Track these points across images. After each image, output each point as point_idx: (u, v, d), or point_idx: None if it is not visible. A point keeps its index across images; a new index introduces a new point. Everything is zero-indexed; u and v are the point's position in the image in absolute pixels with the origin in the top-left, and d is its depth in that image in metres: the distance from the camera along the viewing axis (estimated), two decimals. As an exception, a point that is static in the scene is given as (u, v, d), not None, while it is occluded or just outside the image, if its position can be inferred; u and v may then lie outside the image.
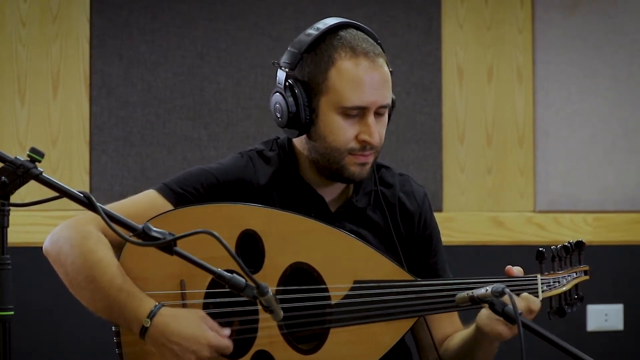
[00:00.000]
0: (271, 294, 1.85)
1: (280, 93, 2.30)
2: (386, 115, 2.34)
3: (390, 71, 2.34)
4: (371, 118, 2.27)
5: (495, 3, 4.10)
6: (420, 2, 4.02)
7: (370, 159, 2.31)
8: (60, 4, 3.73)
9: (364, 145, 2.28)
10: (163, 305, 2.14)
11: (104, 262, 2.17)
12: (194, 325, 2.13)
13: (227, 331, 2.16)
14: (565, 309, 2.39)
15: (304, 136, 2.33)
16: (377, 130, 2.28)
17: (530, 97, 4.13)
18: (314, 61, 2.29)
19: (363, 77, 2.26)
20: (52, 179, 1.81)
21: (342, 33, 2.30)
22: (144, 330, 2.12)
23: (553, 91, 4.14)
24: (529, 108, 4.13)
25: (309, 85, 2.29)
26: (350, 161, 2.29)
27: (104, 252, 2.18)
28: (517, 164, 4.12)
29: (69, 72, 3.74)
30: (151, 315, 2.12)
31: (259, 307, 2.13)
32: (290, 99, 2.28)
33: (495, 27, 4.11)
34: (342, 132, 2.27)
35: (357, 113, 2.27)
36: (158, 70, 3.79)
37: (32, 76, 3.71)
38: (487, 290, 2.09)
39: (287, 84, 2.30)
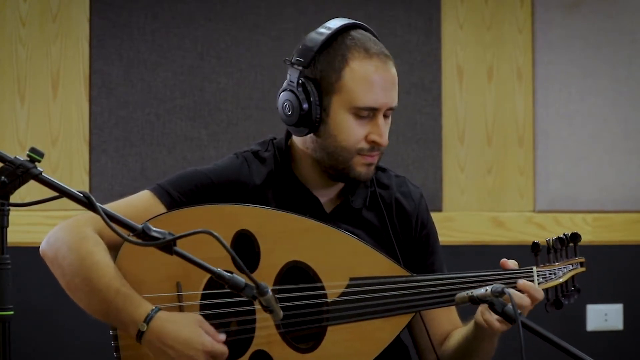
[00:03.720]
0: (270, 293, 1.85)
1: (291, 91, 2.30)
2: (390, 117, 2.35)
3: None
4: (381, 119, 2.30)
5: (495, 3, 4.11)
6: (420, 2, 4.02)
7: (376, 160, 2.34)
8: (60, 4, 3.73)
9: (373, 146, 2.30)
10: (160, 310, 2.13)
11: (101, 264, 2.16)
12: (190, 329, 2.12)
13: (222, 336, 2.15)
14: (562, 301, 2.39)
15: (310, 135, 2.33)
16: (385, 131, 2.31)
17: (530, 97, 4.13)
18: (326, 60, 2.29)
19: (376, 78, 2.28)
20: (52, 178, 1.81)
21: (354, 33, 2.32)
22: (140, 334, 2.12)
23: (553, 91, 4.14)
24: (529, 108, 4.13)
25: (320, 84, 2.29)
26: (358, 161, 2.30)
27: (101, 254, 2.18)
28: (517, 164, 4.12)
29: (69, 72, 3.74)
30: (148, 319, 2.11)
31: (256, 307, 2.14)
32: (303, 97, 2.28)
33: (495, 27, 4.11)
34: (353, 132, 2.29)
35: (368, 114, 2.29)
36: (158, 70, 3.79)
37: (32, 76, 3.71)
38: (486, 290, 2.09)
39: (299, 81, 2.29)
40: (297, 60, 2.31)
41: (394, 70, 2.33)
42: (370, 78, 2.28)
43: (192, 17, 3.82)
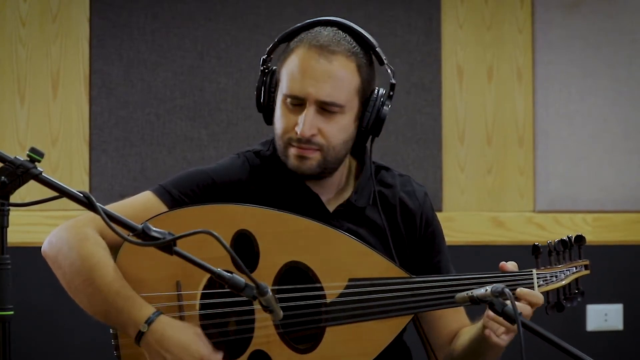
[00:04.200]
0: (270, 293, 1.85)
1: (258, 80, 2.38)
2: (342, 116, 2.29)
3: (393, 83, 2.33)
4: (308, 110, 2.26)
5: (495, 3, 4.11)
6: (420, 2, 4.02)
7: (312, 155, 2.29)
8: (60, 4, 3.73)
9: (299, 137, 2.27)
10: (162, 314, 2.14)
11: (102, 264, 2.16)
12: (190, 337, 2.13)
13: (219, 355, 2.16)
14: (563, 304, 2.38)
15: None
16: (311, 123, 2.26)
17: (530, 97, 4.13)
18: (283, 51, 2.34)
19: (304, 67, 2.27)
20: (52, 178, 1.81)
21: (317, 29, 2.33)
22: (139, 335, 2.12)
23: (553, 91, 4.14)
24: (529, 108, 4.13)
25: (274, 74, 2.35)
26: (290, 153, 2.30)
27: (102, 254, 2.18)
28: (517, 164, 4.12)
29: (69, 72, 3.74)
30: (149, 322, 2.11)
31: (255, 307, 2.14)
32: (260, 86, 2.35)
33: (495, 27, 4.11)
34: (282, 120, 2.30)
35: (297, 103, 2.28)
36: (158, 70, 3.79)
37: (32, 76, 3.71)
38: (486, 290, 2.08)
39: (260, 69, 2.36)
40: (267, 50, 2.37)
41: (340, 66, 2.27)
42: (299, 67, 2.27)
43: (192, 17, 3.82)
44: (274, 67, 2.36)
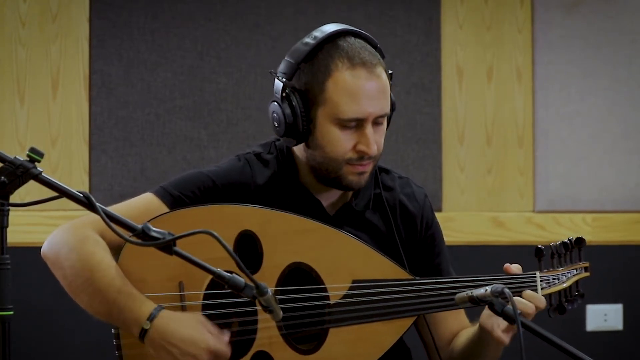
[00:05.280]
0: (270, 293, 1.85)
1: (277, 103, 2.29)
2: (385, 124, 2.33)
3: (390, 73, 2.34)
4: (369, 129, 2.26)
5: (495, 3, 4.11)
6: (420, 2, 4.02)
7: (369, 168, 2.31)
8: (60, 4, 3.73)
9: (362, 156, 2.27)
10: (163, 308, 2.13)
11: (103, 264, 2.16)
12: (194, 328, 2.12)
13: (226, 336, 2.16)
14: (565, 306, 2.38)
15: (302, 144, 2.33)
16: (375, 140, 2.27)
17: (530, 97, 4.13)
18: (311, 71, 2.27)
19: (360, 88, 2.24)
20: (52, 178, 1.81)
21: (340, 42, 2.28)
22: (143, 333, 2.11)
23: (553, 91, 4.14)
24: (529, 108, 4.13)
25: (306, 96, 2.28)
26: (348, 171, 2.29)
27: (102, 254, 2.18)
28: (517, 164, 4.12)
29: (68, 72, 3.74)
30: (151, 318, 2.11)
31: (258, 307, 2.14)
32: (288, 110, 2.27)
33: (495, 27, 4.11)
34: (339, 143, 2.27)
35: (355, 124, 2.26)
36: (158, 70, 3.79)
37: (31, 76, 3.71)
38: (486, 290, 2.09)
39: (284, 94, 2.28)
40: (282, 72, 2.30)
41: (382, 77, 2.28)
42: (354, 89, 2.24)
43: (192, 17, 3.82)
44: (296, 86, 2.28)
